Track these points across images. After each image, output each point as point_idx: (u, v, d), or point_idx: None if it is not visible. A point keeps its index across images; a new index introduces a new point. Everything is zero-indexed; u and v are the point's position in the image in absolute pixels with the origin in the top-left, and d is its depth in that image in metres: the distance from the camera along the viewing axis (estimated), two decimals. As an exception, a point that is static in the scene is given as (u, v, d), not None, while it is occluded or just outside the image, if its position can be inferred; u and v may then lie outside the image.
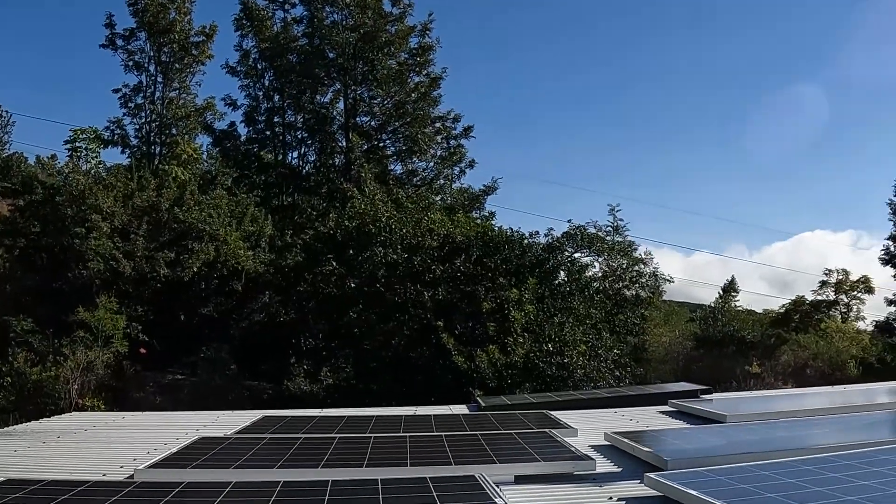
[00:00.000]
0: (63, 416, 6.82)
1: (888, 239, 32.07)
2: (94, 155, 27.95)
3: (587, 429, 6.63)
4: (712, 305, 41.17)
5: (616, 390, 11.64)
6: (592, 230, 24.84)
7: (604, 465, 4.95)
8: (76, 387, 15.69)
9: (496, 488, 3.73)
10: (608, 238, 25.39)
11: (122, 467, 4.64)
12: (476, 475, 4.04)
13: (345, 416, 7.12)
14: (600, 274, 25.38)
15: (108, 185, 22.09)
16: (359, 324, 20.65)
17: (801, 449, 4.98)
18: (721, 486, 3.82)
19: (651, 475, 4.07)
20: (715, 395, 9.55)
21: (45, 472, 4.50)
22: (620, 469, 4.87)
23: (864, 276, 40.84)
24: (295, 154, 32.49)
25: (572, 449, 4.97)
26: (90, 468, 4.65)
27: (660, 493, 3.94)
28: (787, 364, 30.47)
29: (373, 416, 7.18)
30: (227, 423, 6.62)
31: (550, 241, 23.45)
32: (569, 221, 24.91)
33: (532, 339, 19.65)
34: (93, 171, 25.28)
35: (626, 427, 6.68)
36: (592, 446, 5.74)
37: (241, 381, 21.19)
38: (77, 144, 28.04)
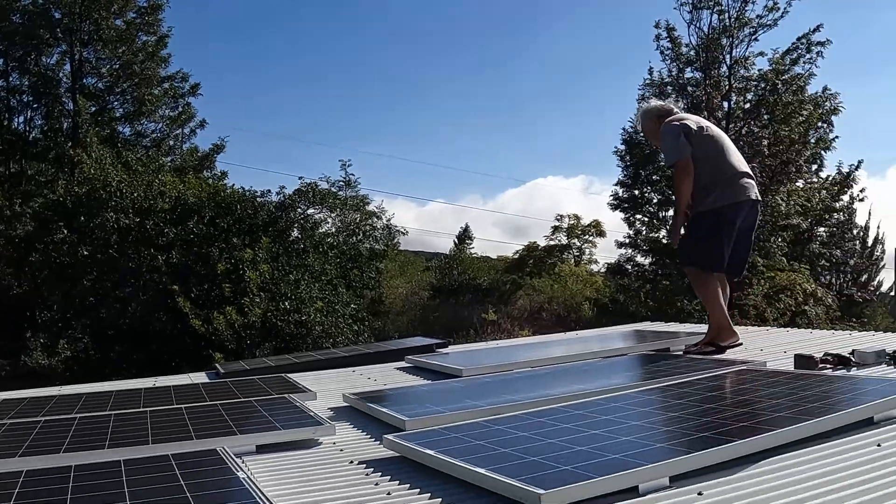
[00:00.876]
0: None
1: (616, 184, 33.72)
2: None
3: (326, 391, 6.74)
4: (448, 255, 42.14)
5: (354, 349, 11.79)
6: (325, 186, 24.95)
7: (344, 428, 5.07)
8: None
9: (237, 460, 3.77)
10: (340, 193, 25.58)
11: None
12: (218, 448, 4.07)
13: (83, 394, 6.92)
14: (334, 230, 25.58)
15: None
16: (93, 292, 20.09)
17: (536, 401, 5.19)
18: (457, 444, 3.98)
19: (389, 436, 4.21)
20: (452, 348, 9.83)
21: None
22: (360, 431, 4.99)
23: (595, 221, 42.97)
24: (21, 119, 30.95)
25: (311, 414, 5.05)
26: None
27: (398, 454, 4.09)
28: (523, 308, 31.67)
29: (112, 392, 7.03)
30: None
31: (283, 198, 23.43)
32: (300, 178, 24.93)
33: (269, 299, 19.72)
34: None
35: (364, 387, 6.82)
36: (332, 409, 5.86)
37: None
38: None
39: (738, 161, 7.56)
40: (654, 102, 8.24)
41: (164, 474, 3.61)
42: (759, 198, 7.48)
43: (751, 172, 7.55)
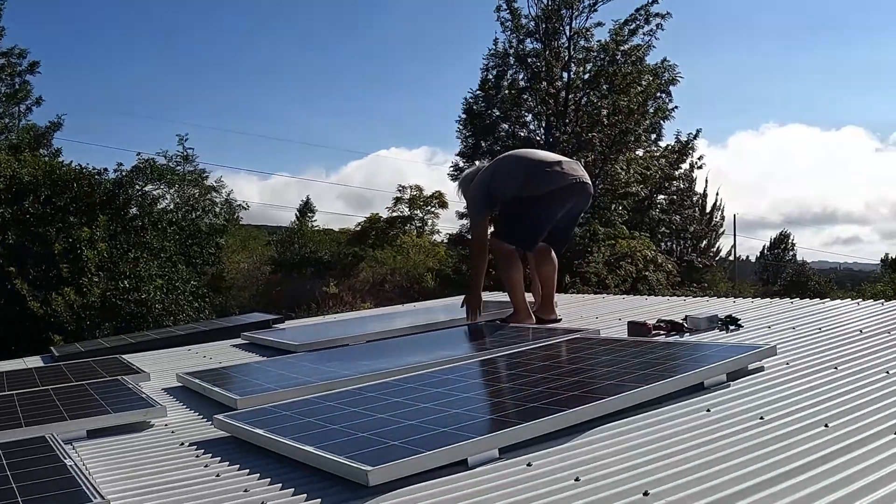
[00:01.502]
0: None
1: (457, 155, 33.98)
2: None
3: (161, 371, 6.71)
4: (289, 227, 41.82)
5: (191, 326, 11.68)
6: (163, 161, 24.56)
7: (176, 410, 5.08)
8: None
9: (66, 447, 3.76)
10: (179, 168, 25.21)
11: None
12: (46, 435, 4.03)
13: None
14: (172, 206, 25.20)
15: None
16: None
17: (368, 375, 5.27)
18: (287, 422, 4.03)
19: (220, 416, 4.23)
20: (289, 323, 9.85)
21: None
22: (193, 412, 5.01)
23: (437, 192, 43.08)
24: None
25: (143, 396, 5.04)
26: None
27: (229, 434, 4.13)
28: (365, 281, 31.64)
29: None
30: None
31: (120, 175, 22.98)
32: (137, 154, 24.51)
33: (108, 278, 19.35)
34: None
35: (199, 365, 6.80)
36: (166, 389, 5.85)
37: None
38: None
39: (546, 155, 7.82)
40: (468, 171, 8.52)
41: (-11, 464, 3.57)
42: (584, 179, 7.64)
43: (565, 159, 7.73)
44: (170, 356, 7.72)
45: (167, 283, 20.13)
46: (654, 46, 32.37)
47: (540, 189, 7.40)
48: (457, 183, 8.57)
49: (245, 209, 28.17)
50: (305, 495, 3.07)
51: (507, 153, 8.09)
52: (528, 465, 3.17)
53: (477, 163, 8.57)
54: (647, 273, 28.29)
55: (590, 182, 7.70)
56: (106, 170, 22.76)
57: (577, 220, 8.17)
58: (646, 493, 2.65)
